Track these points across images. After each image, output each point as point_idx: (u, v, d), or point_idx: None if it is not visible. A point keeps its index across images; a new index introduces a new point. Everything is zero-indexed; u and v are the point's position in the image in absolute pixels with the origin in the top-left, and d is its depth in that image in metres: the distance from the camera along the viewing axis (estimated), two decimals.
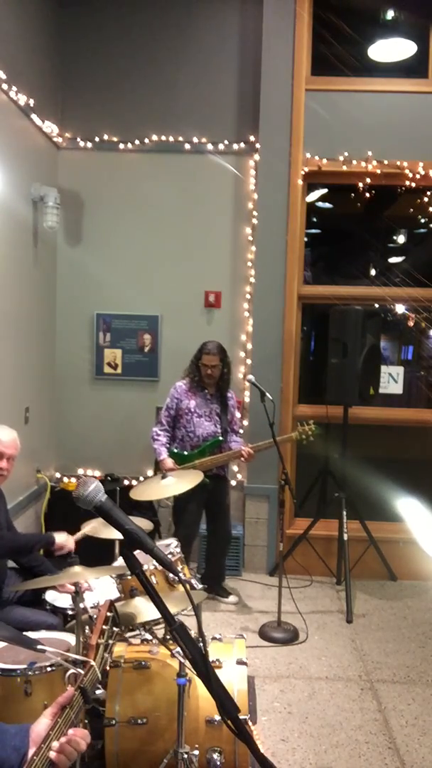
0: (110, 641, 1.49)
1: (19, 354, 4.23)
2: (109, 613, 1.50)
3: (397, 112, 4.64)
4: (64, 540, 2.86)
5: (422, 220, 5.24)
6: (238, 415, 4.34)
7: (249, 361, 4.87)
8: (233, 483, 4.93)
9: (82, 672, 1.34)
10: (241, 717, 1.25)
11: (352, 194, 4.89)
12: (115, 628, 1.53)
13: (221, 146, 4.83)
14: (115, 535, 2.69)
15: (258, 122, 4.67)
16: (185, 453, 4.11)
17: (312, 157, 4.70)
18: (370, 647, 3.76)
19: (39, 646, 1.97)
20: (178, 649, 1.68)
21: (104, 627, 1.47)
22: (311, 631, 3.91)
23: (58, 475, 5.02)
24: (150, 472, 4.75)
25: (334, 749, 2.78)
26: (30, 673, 2.11)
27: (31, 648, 2.05)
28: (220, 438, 4.12)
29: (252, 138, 4.80)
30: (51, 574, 2.61)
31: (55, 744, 1.18)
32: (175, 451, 4.13)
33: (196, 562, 4.67)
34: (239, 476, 4.95)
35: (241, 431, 4.39)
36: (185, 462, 4.04)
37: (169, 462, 4.04)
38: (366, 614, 4.20)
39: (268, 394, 3.71)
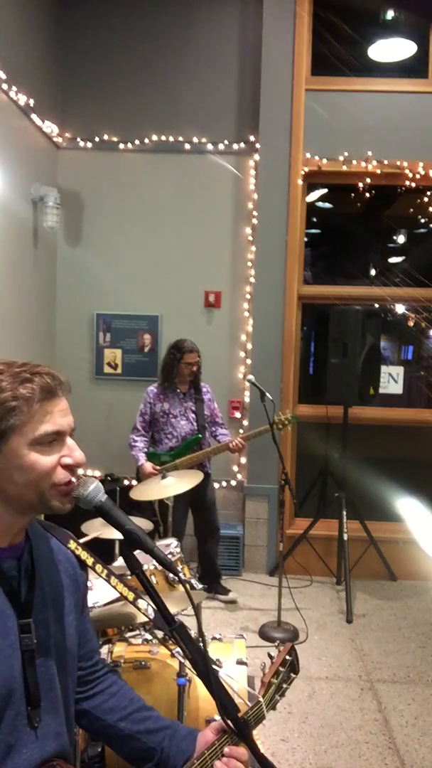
0: (284, 685, 1.46)
1: (19, 354, 4.22)
2: (288, 657, 1.48)
3: (397, 112, 4.64)
4: None
5: (422, 220, 5.24)
6: (216, 406, 4.33)
7: (249, 361, 4.87)
8: (233, 483, 4.93)
9: (249, 705, 1.38)
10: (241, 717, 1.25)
11: (352, 194, 4.88)
12: (292, 674, 1.49)
13: (221, 146, 4.83)
14: (115, 535, 2.69)
15: (258, 122, 4.68)
16: (163, 454, 4.12)
17: (312, 157, 4.70)
18: (370, 647, 3.76)
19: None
20: (178, 649, 1.68)
21: (281, 669, 1.45)
22: (311, 631, 3.91)
23: None
24: None
25: (334, 749, 2.78)
26: None
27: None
28: (199, 435, 4.14)
29: (252, 138, 4.80)
30: None
31: (218, 764, 1.24)
32: (153, 452, 4.15)
33: (197, 562, 4.67)
34: (239, 476, 4.96)
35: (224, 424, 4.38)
36: (165, 463, 4.04)
37: (148, 466, 4.04)
38: (366, 614, 4.20)
39: (268, 394, 3.70)
